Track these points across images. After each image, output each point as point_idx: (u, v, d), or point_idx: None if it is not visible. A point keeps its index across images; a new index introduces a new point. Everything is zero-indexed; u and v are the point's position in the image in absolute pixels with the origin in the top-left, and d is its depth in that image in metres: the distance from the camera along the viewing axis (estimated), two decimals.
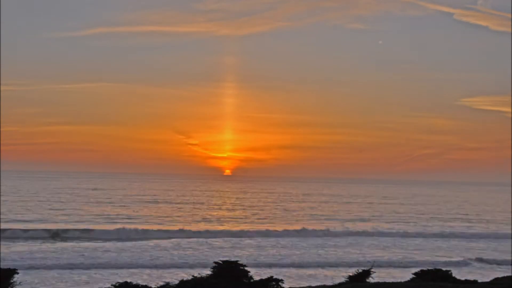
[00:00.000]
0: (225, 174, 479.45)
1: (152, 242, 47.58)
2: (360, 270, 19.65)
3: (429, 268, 20.23)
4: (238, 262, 18.42)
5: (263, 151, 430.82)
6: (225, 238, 51.78)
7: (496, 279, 19.06)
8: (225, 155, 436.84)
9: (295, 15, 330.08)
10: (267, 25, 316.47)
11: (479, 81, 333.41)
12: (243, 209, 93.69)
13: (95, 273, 33.85)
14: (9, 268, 15.88)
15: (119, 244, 45.79)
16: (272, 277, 18.45)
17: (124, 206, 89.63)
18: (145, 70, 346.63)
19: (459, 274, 22.94)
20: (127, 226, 57.45)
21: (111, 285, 17.31)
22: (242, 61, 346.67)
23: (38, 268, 34.32)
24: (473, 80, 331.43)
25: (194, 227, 61.79)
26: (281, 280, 18.28)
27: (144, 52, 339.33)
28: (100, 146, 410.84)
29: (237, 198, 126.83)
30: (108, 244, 45.79)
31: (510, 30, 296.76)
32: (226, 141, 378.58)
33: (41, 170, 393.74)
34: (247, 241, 50.44)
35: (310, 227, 61.02)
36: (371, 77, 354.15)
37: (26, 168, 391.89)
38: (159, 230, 57.66)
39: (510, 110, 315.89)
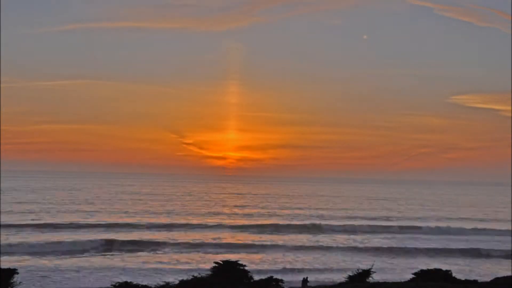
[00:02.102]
0: (229, 174, 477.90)
1: None
2: (360, 270, 19.65)
3: (429, 268, 20.23)
4: (238, 262, 18.35)
5: (260, 151, 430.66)
6: None
7: (496, 278, 19.10)
8: (220, 154, 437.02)
9: (271, 9, 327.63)
10: (244, 21, 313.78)
11: (468, 78, 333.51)
12: None
13: None
14: (9, 268, 15.81)
15: None
16: (272, 277, 18.35)
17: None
18: (128, 67, 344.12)
19: None
20: None
21: (111, 284, 17.23)
22: (232, 59, 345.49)
23: None
24: (461, 77, 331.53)
25: None
26: (281, 280, 18.19)
27: (123, 49, 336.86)
28: (94, 146, 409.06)
29: None
30: None
31: (495, 26, 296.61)
32: (221, 140, 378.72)
33: (32, 170, 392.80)
34: None
35: None
36: (362, 75, 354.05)
37: (18, 168, 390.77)
38: None
39: (503, 108, 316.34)
